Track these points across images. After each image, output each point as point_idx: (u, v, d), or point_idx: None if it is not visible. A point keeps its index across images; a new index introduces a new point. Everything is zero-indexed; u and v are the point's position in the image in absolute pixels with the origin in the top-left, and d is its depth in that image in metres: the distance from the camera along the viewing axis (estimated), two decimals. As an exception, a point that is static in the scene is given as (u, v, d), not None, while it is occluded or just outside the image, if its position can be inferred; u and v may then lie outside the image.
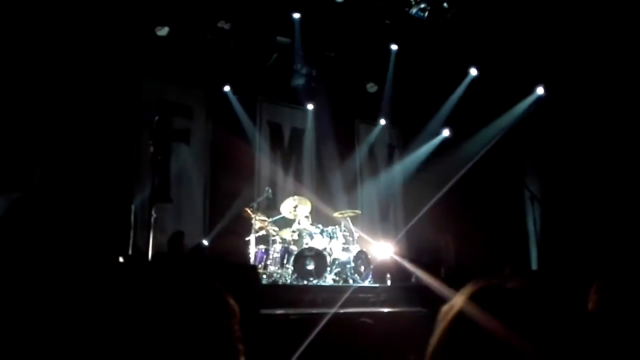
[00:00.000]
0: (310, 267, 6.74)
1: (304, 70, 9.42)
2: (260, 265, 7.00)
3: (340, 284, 7.01)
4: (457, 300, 1.04)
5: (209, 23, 8.40)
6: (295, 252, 6.95)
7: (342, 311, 5.26)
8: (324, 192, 9.32)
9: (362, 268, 7.20)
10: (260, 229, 7.40)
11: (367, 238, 7.89)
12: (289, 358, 3.90)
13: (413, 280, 6.73)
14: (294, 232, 7.46)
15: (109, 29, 7.45)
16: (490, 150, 8.75)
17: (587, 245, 7.06)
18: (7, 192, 6.46)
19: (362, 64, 9.67)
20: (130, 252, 6.29)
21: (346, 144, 10.16)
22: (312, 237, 7.28)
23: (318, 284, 6.64)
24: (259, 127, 9.57)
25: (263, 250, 7.21)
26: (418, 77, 9.75)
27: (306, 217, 7.71)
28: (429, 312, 5.03)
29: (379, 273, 7.33)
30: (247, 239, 7.31)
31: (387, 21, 8.87)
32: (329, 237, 7.37)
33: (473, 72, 9.42)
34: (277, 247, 7.24)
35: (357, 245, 7.56)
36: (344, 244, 7.49)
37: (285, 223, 7.74)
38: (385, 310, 5.82)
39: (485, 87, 9.16)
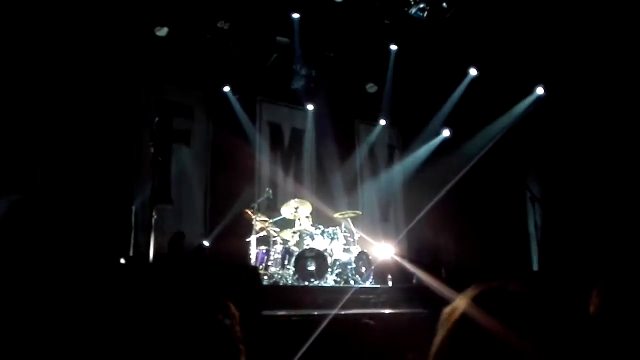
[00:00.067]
0: (311, 268, 6.74)
1: (303, 71, 9.42)
2: (261, 266, 7.00)
3: (341, 285, 6.99)
4: (460, 303, 1.04)
5: (209, 23, 8.41)
6: (296, 253, 6.95)
7: (343, 312, 5.25)
8: (324, 193, 9.32)
9: (363, 269, 7.19)
10: (261, 229, 7.40)
11: (368, 239, 7.89)
12: (291, 359, 3.90)
13: (414, 281, 6.73)
14: (294, 233, 7.46)
15: (108, 30, 7.45)
16: (491, 150, 8.75)
17: (588, 247, 7.05)
18: (9, 194, 6.46)
19: (362, 64, 9.67)
20: (131, 253, 6.30)
21: (346, 145, 10.17)
22: (312, 238, 7.28)
23: (319, 285, 6.63)
24: (259, 128, 9.58)
25: (264, 251, 7.22)
26: (418, 77, 9.75)
27: (307, 217, 7.71)
28: (430, 313, 5.02)
29: (379, 274, 7.32)
30: (247, 239, 7.31)
31: (386, 21, 8.87)
32: (330, 238, 7.37)
33: (473, 72, 9.42)
34: (278, 248, 7.24)
35: (358, 246, 7.55)
36: (344, 244, 7.49)
37: (286, 224, 7.74)
38: (386, 311, 5.82)
39: (485, 87, 9.16)
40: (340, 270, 7.16)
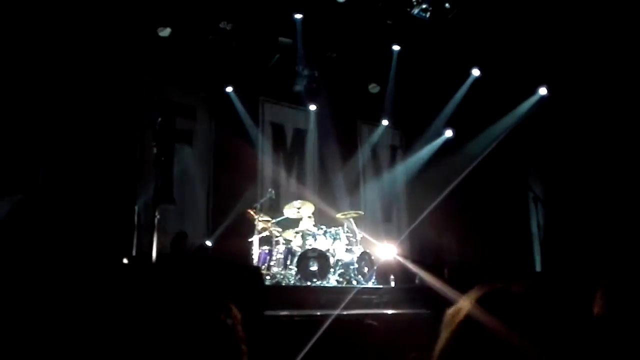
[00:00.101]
0: (314, 268, 6.73)
1: (306, 72, 9.42)
2: (263, 267, 7.00)
3: (343, 285, 6.99)
4: (464, 304, 1.04)
5: (211, 24, 8.42)
6: (299, 253, 6.95)
7: (345, 312, 5.25)
8: (326, 193, 9.32)
9: (366, 269, 7.19)
10: (263, 229, 7.40)
11: (370, 239, 7.87)
12: (293, 359, 3.90)
13: (416, 281, 6.72)
14: (297, 233, 7.46)
15: (111, 31, 7.46)
16: (493, 151, 8.74)
17: (591, 247, 7.03)
18: (11, 194, 6.48)
19: (364, 65, 9.67)
20: (134, 253, 6.31)
21: (349, 145, 10.17)
22: (315, 238, 7.28)
23: (321, 285, 6.63)
24: (261, 128, 9.59)
25: (266, 251, 7.22)
26: (420, 78, 9.74)
27: (309, 217, 7.71)
28: (433, 314, 5.02)
29: (382, 274, 7.31)
30: (250, 240, 7.31)
31: (389, 22, 8.87)
32: (332, 238, 7.37)
33: (475, 72, 9.42)
34: (281, 248, 7.24)
35: (360, 247, 7.55)
36: (347, 245, 7.48)
37: (289, 224, 7.74)
38: (389, 311, 5.81)
39: (488, 87, 9.15)
40: (342, 270, 7.15)
